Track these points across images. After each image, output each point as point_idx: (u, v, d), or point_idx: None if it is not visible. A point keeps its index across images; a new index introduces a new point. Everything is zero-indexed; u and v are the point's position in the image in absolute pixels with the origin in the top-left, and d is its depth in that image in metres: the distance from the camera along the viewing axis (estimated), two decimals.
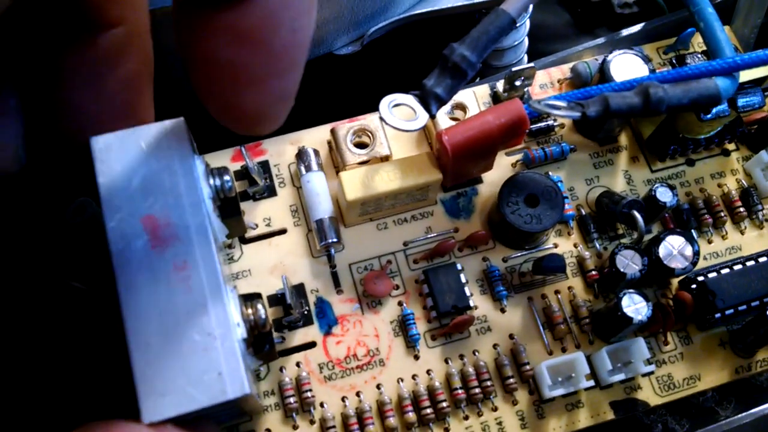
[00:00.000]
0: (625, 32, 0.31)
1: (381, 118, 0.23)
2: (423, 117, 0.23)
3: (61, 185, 0.24)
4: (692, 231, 0.27)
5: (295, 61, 0.16)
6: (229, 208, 0.21)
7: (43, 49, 0.17)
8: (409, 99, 0.23)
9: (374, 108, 0.23)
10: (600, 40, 0.30)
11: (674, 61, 0.27)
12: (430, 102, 0.23)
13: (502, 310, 0.25)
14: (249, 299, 0.20)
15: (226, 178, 0.20)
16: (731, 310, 0.24)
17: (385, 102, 0.23)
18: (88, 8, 0.16)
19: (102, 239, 0.18)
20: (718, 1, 0.31)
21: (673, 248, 0.24)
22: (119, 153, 0.18)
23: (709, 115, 0.25)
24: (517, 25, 0.29)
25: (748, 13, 0.30)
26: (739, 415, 0.25)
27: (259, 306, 0.19)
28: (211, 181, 0.20)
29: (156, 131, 0.19)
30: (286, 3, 0.15)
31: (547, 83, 0.29)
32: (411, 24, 0.29)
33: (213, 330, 0.17)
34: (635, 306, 0.23)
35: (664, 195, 0.24)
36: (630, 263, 0.24)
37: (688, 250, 0.24)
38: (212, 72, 0.16)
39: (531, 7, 0.28)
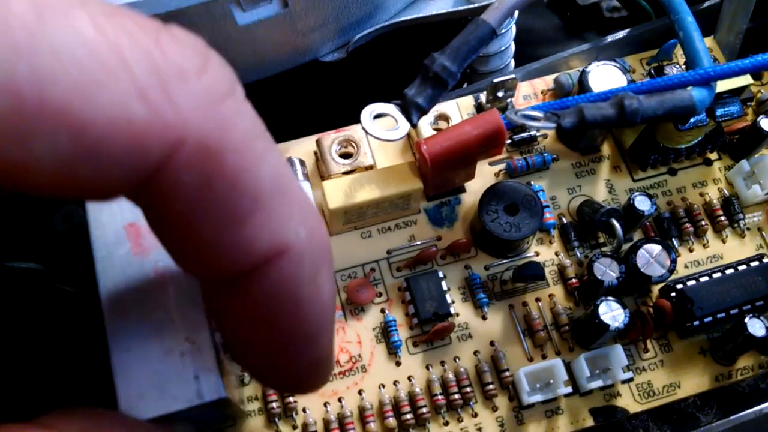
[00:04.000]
0: (610, 38, 0.31)
1: (363, 128, 0.23)
2: (404, 126, 0.23)
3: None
4: (673, 239, 0.27)
5: (313, 333, 0.15)
6: None
7: None
8: (390, 108, 0.23)
9: (359, 115, 0.23)
10: (585, 47, 0.31)
11: (652, 72, 0.27)
12: (411, 112, 0.23)
13: (483, 317, 0.26)
14: None
15: None
16: (710, 318, 0.24)
17: (367, 112, 0.23)
18: None
19: (88, 245, 0.18)
20: (703, 7, 0.32)
21: (651, 256, 0.24)
22: None
23: (686, 125, 0.25)
24: (502, 31, 0.30)
25: (732, 19, 0.30)
26: (721, 421, 0.25)
27: None
28: None
29: None
30: (277, 284, 0.13)
31: (530, 94, 0.29)
32: (396, 31, 0.29)
33: (191, 334, 0.17)
34: (612, 313, 0.23)
35: (642, 204, 0.25)
36: (607, 271, 0.24)
37: (665, 258, 0.24)
38: (242, 349, 0.15)
39: (515, 14, 0.28)
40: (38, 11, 0.11)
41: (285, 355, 0.15)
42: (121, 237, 0.18)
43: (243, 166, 0.12)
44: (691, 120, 0.24)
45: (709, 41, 0.30)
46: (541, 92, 0.29)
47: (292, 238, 0.13)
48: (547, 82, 0.29)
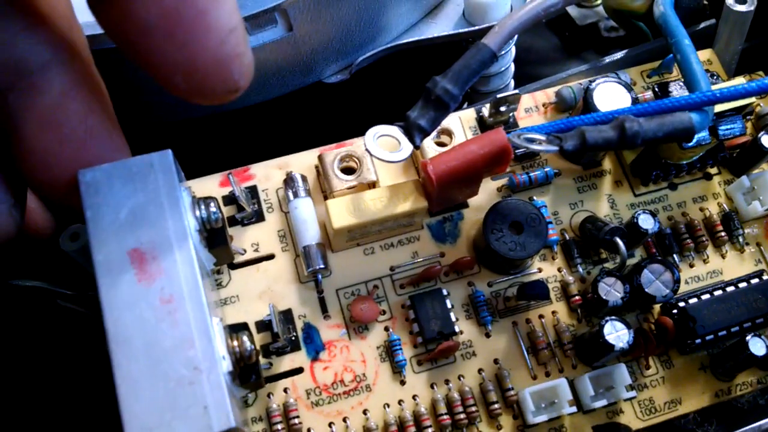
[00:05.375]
0: (608, 59, 0.31)
1: (367, 150, 0.23)
2: (407, 148, 0.23)
3: (55, 212, 0.24)
4: (674, 255, 0.27)
5: None
6: (215, 238, 0.21)
7: None
8: (393, 130, 0.23)
9: (361, 134, 0.24)
10: (583, 67, 0.31)
11: (656, 88, 0.27)
12: (414, 134, 0.23)
13: (487, 335, 0.26)
14: (235, 330, 0.20)
15: (213, 209, 0.20)
16: (711, 336, 0.24)
17: (371, 134, 0.23)
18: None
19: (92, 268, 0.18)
20: (699, 28, 0.32)
21: (654, 276, 0.24)
22: (106, 186, 0.19)
23: (690, 143, 0.25)
24: (502, 53, 0.30)
25: (728, 39, 0.30)
26: None
27: (245, 338, 0.19)
28: (197, 213, 0.20)
29: (143, 164, 0.19)
30: None
31: (532, 107, 0.30)
32: (398, 53, 0.29)
33: (199, 364, 0.17)
34: (617, 333, 0.23)
35: (646, 222, 0.25)
36: (612, 290, 0.24)
37: (669, 278, 0.24)
38: (147, 42, 0.15)
39: (515, 37, 0.28)
40: None
41: (191, 26, 0.15)
42: (125, 263, 0.18)
43: None
44: (695, 138, 0.25)
45: (708, 53, 0.31)
46: (543, 105, 0.30)
47: None
48: (548, 95, 0.30)
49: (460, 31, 0.29)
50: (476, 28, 0.29)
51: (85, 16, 0.18)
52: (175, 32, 0.15)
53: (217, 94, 0.17)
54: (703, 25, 0.31)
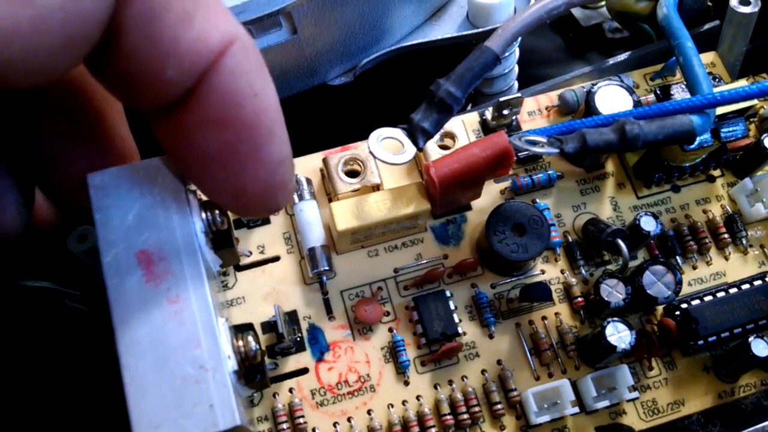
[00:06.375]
0: (612, 60, 0.32)
1: (370, 152, 0.23)
2: (411, 150, 0.24)
3: (63, 213, 0.24)
4: (677, 257, 0.27)
5: (271, 126, 0.16)
6: (221, 240, 0.21)
7: (13, 110, 0.18)
8: (397, 133, 0.24)
9: (366, 136, 0.24)
10: (587, 69, 0.31)
11: (658, 91, 0.27)
12: (417, 136, 0.23)
13: (491, 336, 0.26)
14: (240, 330, 0.20)
15: (218, 211, 0.21)
16: (714, 337, 0.24)
17: (374, 136, 0.23)
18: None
19: (100, 269, 0.19)
20: (703, 29, 0.32)
21: (656, 277, 0.24)
22: (115, 189, 0.19)
23: (692, 146, 0.25)
24: (506, 55, 0.30)
25: (732, 40, 0.30)
26: None
27: (250, 338, 0.20)
28: (204, 215, 0.20)
29: (150, 167, 0.19)
30: (234, 74, 0.15)
31: (535, 110, 0.30)
32: (401, 55, 0.30)
33: (205, 363, 0.17)
34: (619, 334, 0.23)
35: (648, 224, 0.25)
36: (613, 292, 0.24)
37: (671, 280, 0.24)
38: (203, 167, 0.16)
39: (519, 39, 0.29)
40: None
41: (248, 154, 0.16)
42: (133, 264, 0.18)
43: None
44: (697, 140, 0.25)
45: (711, 55, 0.31)
46: (546, 108, 0.30)
47: (235, 29, 0.15)
48: (551, 98, 0.30)
49: (464, 33, 0.29)
50: (480, 30, 0.29)
51: None
52: (231, 163, 0.16)
53: (259, 214, 0.20)
54: (707, 26, 0.31)
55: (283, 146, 0.17)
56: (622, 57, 0.31)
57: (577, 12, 0.37)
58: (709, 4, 0.32)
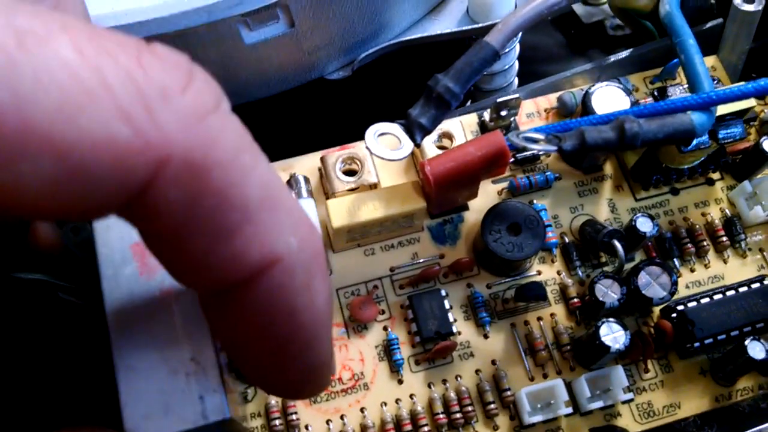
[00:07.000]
0: (613, 58, 0.31)
1: (367, 148, 0.23)
2: (408, 146, 0.23)
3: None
4: (674, 260, 0.27)
5: (309, 341, 0.15)
6: None
7: None
8: (394, 128, 0.23)
9: (364, 131, 0.23)
10: (588, 66, 0.31)
11: (656, 93, 0.27)
12: (414, 131, 0.23)
13: (485, 336, 0.26)
14: None
15: None
16: (710, 340, 0.24)
17: (371, 131, 0.23)
18: None
19: (95, 261, 0.19)
20: (705, 27, 0.32)
21: (652, 278, 0.24)
22: None
23: (689, 147, 0.25)
24: (506, 50, 0.30)
25: (735, 39, 0.30)
26: None
27: None
28: None
29: None
30: (269, 295, 0.14)
31: (534, 112, 0.29)
32: (400, 50, 0.29)
33: (196, 355, 0.17)
34: (613, 334, 0.23)
35: (644, 225, 0.25)
36: (608, 292, 0.24)
37: (667, 280, 0.24)
38: (250, 353, 0.16)
39: (519, 34, 0.28)
40: (19, 37, 0.11)
41: (283, 362, 0.15)
42: (128, 256, 0.18)
43: (229, 181, 0.13)
44: (694, 142, 0.24)
45: (712, 59, 0.31)
46: (545, 110, 0.29)
47: (283, 248, 0.14)
48: (550, 100, 0.29)
49: (464, 28, 0.28)
50: (480, 25, 0.28)
51: None
52: (277, 355, 0.15)
53: (287, 397, 0.20)
54: (710, 24, 0.31)
55: (320, 353, 0.16)
56: (624, 54, 0.31)
57: (578, 9, 0.37)
58: (712, 1, 0.32)
